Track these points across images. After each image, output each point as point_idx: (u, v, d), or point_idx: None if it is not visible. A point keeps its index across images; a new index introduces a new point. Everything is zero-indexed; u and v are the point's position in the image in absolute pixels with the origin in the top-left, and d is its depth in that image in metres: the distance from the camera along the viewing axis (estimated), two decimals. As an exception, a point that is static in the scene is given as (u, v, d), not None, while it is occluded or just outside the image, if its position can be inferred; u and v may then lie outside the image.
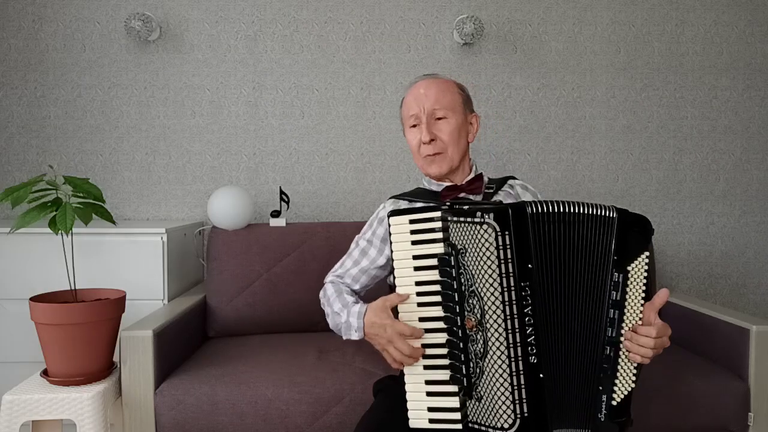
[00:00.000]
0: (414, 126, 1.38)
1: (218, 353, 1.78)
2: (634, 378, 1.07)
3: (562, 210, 1.06)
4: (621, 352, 1.07)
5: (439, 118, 1.35)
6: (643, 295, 1.08)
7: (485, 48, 2.38)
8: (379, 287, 1.48)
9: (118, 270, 1.90)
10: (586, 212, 1.07)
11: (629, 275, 1.07)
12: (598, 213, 1.08)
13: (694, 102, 2.44)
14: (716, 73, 2.44)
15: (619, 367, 1.07)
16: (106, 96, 2.32)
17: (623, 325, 1.07)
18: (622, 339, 1.07)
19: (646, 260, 1.08)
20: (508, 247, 1.02)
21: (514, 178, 1.48)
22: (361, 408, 1.46)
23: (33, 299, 1.51)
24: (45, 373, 1.52)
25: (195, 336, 1.91)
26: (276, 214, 2.14)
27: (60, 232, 1.47)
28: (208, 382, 1.55)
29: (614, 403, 1.06)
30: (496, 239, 1.01)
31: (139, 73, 2.32)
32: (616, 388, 1.06)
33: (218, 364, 1.67)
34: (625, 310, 1.07)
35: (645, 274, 1.08)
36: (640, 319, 1.08)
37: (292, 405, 1.53)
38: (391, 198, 1.47)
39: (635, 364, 1.07)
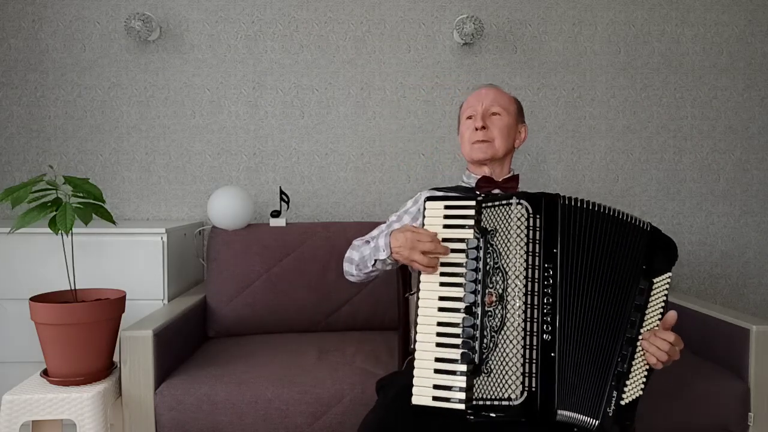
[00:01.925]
0: (469, 118, 1.50)
1: (218, 353, 1.78)
2: (643, 384, 1.10)
3: (594, 208, 1.14)
4: (637, 354, 1.11)
5: (494, 114, 1.47)
6: (660, 310, 1.14)
7: (485, 48, 2.38)
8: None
9: (118, 270, 1.90)
10: (618, 216, 1.14)
11: (654, 287, 1.14)
12: (632, 222, 1.15)
13: (694, 102, 2.44)
14: (716, 73, 2.44)
15: (633, 368, 1.10)
16: (106, 96, 2.32)
17: (642, 330, 1.12)
18: (640, 339, 1.11)
19: (668, 280, 1.15)
20: (538, 229, 1.10)
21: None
22: (362, 408, 1.46)
23: (33, 299, 1.50)
24: (45, 373, 1.52)
25: (195, 336, 1.91)
26: (276, 214, 2.14)
27: (60, 232, 1.47)
28: (208, 382, 1.55)
29: (623, 402, 1.08)
30: (528, 219, 1.10)
31: (139, 73, 2.32)
32: (626, 389, 1.09)
33: (218, 364, 1.67)
34: (646, 317, 1.12)
35: (665, 293, 1.14)
36: (657, 326, 1.13)
37: (292, 405, 1.53)
38: (430, 189, 1.56)
39: (646, 371, 1.11)
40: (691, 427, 1.59)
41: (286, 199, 2.19)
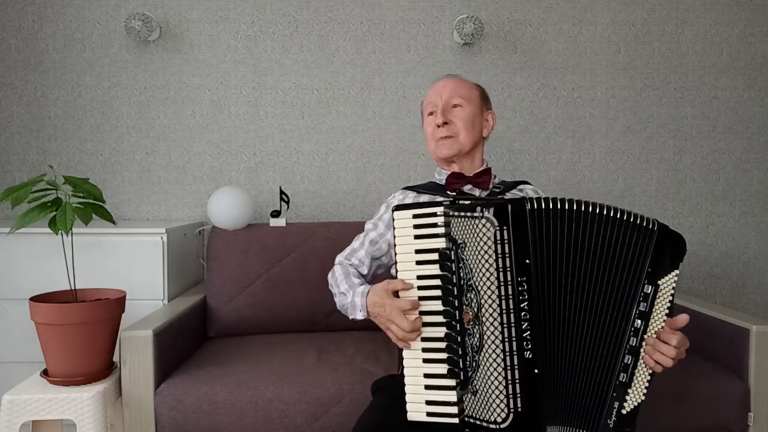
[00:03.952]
0: (431, 114, 1.45)
1: (218, 353, 1.78)
2: (645, 390, 1.07)
3: (569, 208, 1.04)
4: (640, 362, 1.06)
5: (455, 105, 1.43)
6: (666, 311, 1.07)
7: (485, 48, 2.38)
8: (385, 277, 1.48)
9: (118, 270, 1.90)
10: (613, 216, 1.05)
11: (659, 289, 1.06)
12: (633, 221, 1.05)
13: (694, 102, 2.44)
14: (716, 73, 2.44)
15: (635, 377, 1.06)
16: (106, 96, 2.32)
17: (645, 336, 1.06)
18: (643, 348, 1.06)
19: (675, 278, 1.07)
20: (507, 241, 1.02)
21: (528, 183, 1.51)
22: (361, 408, 1.46)
23: (33, 299, 1.50)
24: (45, 373, 1.52)
25: (195, 336, 1.91)
26: (276, 214, 2.14)
27: (60, 232, 1.47)
28: (208, 382, 1.55)
29: (624, 411, 1.05)
30: (495, 234, 1.02)
31: (139, 73, 2.32)
32: (628, 398, 1.05)
33: (218, 364, 1.66)
34: (651, 323, 1.06)
35: (672, 292, 1.07)
36: (662, 328, 1.07)
37: (292, 405, 1.53)
38: (402, 189, 1.52)
39: (649, 378, 1.07)
40: (691, 427, 1.59)
41: (286, 199, 2.19)
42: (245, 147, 2.36)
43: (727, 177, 2.47)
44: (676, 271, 1.07)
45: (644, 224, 1.06)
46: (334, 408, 1.53)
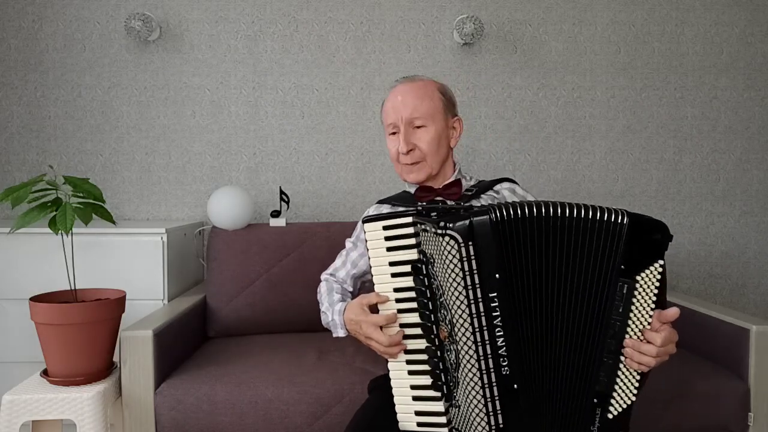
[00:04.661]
0: (393, 134, 1.36)
1: (218, 353, 1.78)
2: (635, 392, 1.02)
3: (537, 214, 0.99)
4: (621, 364, 1.02)
5: (418, 127, 1.32)
6: (652, 306, 1.01)
7: (485, 48, 2.38)
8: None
9: (118, 270, 1.90)
10: (578, 216, 0.99)
11: (638, 285, 0.99)
12: (599, 217, 0.99)
13: (694, 102, 2.44)
14: (716, 73, 2.44)
15: (618, 379, 1.02)
16: (106, 96, 2.32)
17: (626, 336, 1.01)
18: (623, 350, 1.01)
19: (660, 269, 0.99)
20: (473, 258, 0.97)
21: (510, 180, 1.43)
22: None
23: (33, 299, 1.50)
24: (45, 373, 1.52)
25: (195, 336, 1.91)
26: (276, 214, 2.14)
27: (60, 232, 1.47)
28: (208, 382, 1.55)
29: (610, 416, 1.02)
30: (459, 251, 0.97)
31: (139, 73, 2.32)
32: (613, 401, 1.02)
33: (218, 364, 1.67)
34: (630, 321, 1.00)
35: (657, 284, 1.00)
36: (649, 324, 1.01)
37: (292, 405, 1.53)
38: (376, 203, 1.47)
39: (637, 378, 1.02)
40: (691, 427, 1.59)
41: (286, 199, 2.19)
42: (245, 147, 2.36)
43: (727, 177, 2.47)
44: (660, 262, 0.99)
45: (612, 219, 0.99)
46: (334, 408, 1.53)
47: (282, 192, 2.17)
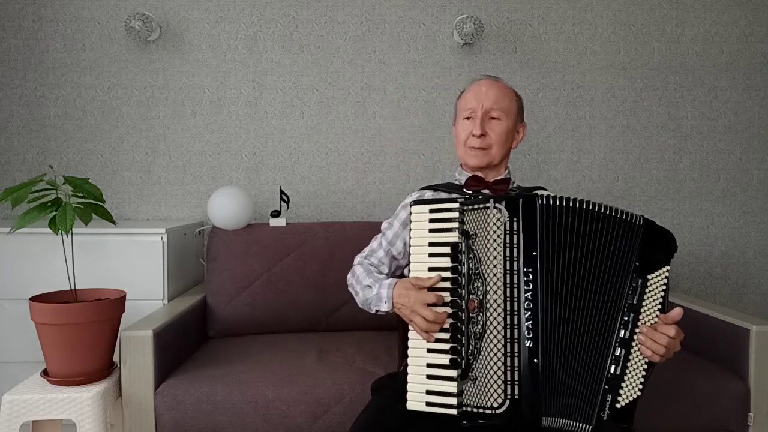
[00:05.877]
0: (468, 118, 1.44)
1: (218, 353, 1.78)
2: (641, 386, 1.07)
3: (577, 206, 1.09)
4: (632, 356, 1.08)
5: (493, 118, 1.42)
6: (659, 306, 1.10)
7: (485, 48, 2.38)
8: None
9: (118, 270, 1.90)
10: (605, 213, 1.10)
11: (648, 283, 1.10)
12: (622, 217, 1.10)
13: (694, 102, 2.44)
14: (716, 73, 2.44)
15: (628, 370, 1.07)
16: (106, 96, 2.32)
17: (636, 330, 1.08)
18: (635, 341, 1.08)
19: (666, 274, 1.11)
20: (515, 233, 1.06)
21: (544, 189, 1.51)
22: (362, 408, 1.46)
23: (33, 299, 1.50)
24: (45, 373, 1.52)
25: (195, 336, 1.91)
26: (276, 214, 2.14)
27: (60, 232, 1.47)
28: (208, 382, 1.55)
29: (618, 405, 1.06)
30: (504, 224, 1.06)
31: (139, 73, 2.32)
32: (622, 392, 1.06)
33: (218, 364, 1.67)
34: (641, 316, 1.09)
35: (664, 287, 1.10)
36: (656, 322, 1.10)
37: (292, 405, 1.53)
38: (420, 189, 1.53)
39: (644, 371, 1.08)
40: (691, 427, 1.59)
41: (286, 199, 2.19)
42: (245, 147, 2.36)
43: (727, 177, 2.47)
44: (667, 267, 1.11)
45: (630, 219, 1.11)
46: (334, 408, 1.53)
47: (282, 192, 2.17)
